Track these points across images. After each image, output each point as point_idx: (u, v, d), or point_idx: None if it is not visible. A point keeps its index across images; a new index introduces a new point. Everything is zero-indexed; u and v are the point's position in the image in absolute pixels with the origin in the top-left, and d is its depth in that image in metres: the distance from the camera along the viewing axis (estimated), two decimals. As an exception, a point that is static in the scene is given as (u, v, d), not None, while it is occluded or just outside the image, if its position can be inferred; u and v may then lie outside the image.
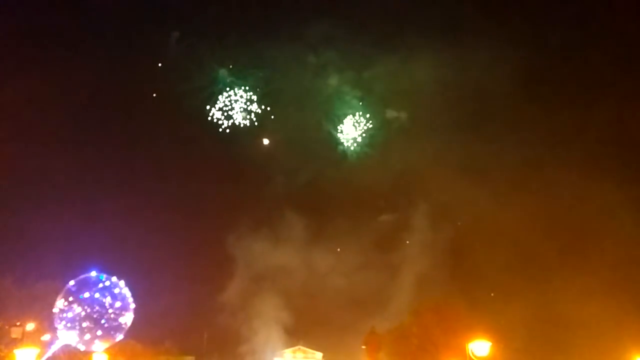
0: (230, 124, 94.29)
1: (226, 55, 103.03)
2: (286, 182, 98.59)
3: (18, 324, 43.71)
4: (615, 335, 60.87)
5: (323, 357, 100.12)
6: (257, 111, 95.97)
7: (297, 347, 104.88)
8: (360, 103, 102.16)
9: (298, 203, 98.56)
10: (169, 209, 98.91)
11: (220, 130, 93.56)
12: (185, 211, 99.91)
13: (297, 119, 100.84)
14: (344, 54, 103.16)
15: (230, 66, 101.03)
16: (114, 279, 44.50)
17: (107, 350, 50.01)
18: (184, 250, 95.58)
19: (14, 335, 41.40)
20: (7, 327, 46.90)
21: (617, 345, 53.00)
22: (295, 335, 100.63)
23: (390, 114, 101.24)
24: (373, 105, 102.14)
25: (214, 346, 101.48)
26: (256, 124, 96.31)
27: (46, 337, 56.47)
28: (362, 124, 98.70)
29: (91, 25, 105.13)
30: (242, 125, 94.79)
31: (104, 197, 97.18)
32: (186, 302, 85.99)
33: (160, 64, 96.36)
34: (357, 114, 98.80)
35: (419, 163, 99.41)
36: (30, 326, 49.76)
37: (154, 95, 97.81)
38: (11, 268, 55.90)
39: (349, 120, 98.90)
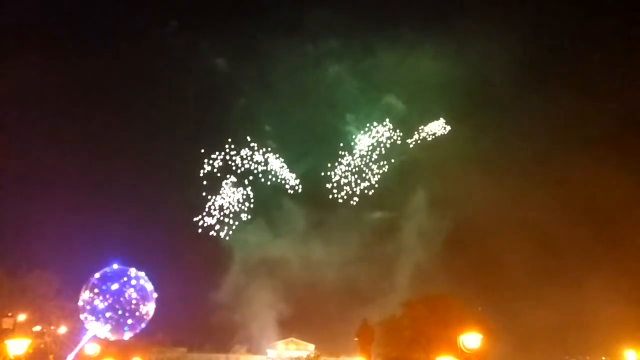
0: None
1: (224, 46, 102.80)
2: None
3: (9, 314, 43.37)
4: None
5: (315, 348, 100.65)
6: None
7: (289, 339, 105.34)
8: (360, 93, 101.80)
9: (296, 195, 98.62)
10: (164, 203, 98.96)
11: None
12: (178, 203, 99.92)
13: (296, 110, 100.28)
14: (343, 44, 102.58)
15: (228, 57, 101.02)
16: (134, 270, 45.49)
17: (99, 341, 49.99)
18: (177, 242, 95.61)
19: (5, 326, 41.05)
20: (-2, 317, 46.67)
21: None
22: (288, 327, 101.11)
23: (391, 101, 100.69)
24: (373, 94, 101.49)
25: (207, 338, 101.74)
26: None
27: (37, 328, 56.39)
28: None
29: (87, 20, 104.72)
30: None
31: (93, 195, 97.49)
32: (179, 294, 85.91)
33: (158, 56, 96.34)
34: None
35: (419, 154, 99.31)
36: (21, 317, 49.49)
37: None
38: (2, 259, 55.76)
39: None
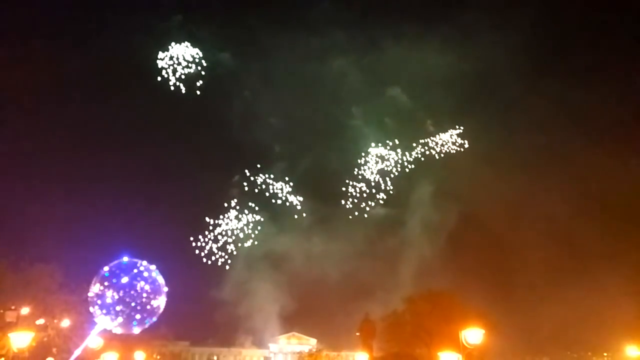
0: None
1: (228, 39, 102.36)
2: (288, 168, 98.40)
3: (13, 307, 43.58)
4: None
5: (317, 343, 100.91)
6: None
7: (291, 334, 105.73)
8: (365, 86, 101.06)
9: (300, 192, 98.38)
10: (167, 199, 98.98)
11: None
12: (180, 197, 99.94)
13: (301, 103, 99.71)
14: (348, 37, 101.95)
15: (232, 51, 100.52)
16: (145, 263, 45.35)
17: (103, 335, 50.11)
18: (180, 235, 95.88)
19: (8, 319, 41.33)
20: (1, 310, 46.84)
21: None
22: (290, 321, 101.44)
23: (396, 95, 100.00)
24: (378, 88, 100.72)
25: (210, 332, 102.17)
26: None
27: (41, 321, 56.59)
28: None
29: (91, 14, 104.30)
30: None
31: (96, 190, 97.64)
32: (183, 288, 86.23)
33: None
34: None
35: (425, 149, 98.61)
36: (25, 310, 49.73)
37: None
38: (5, 252, 55.88)
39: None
